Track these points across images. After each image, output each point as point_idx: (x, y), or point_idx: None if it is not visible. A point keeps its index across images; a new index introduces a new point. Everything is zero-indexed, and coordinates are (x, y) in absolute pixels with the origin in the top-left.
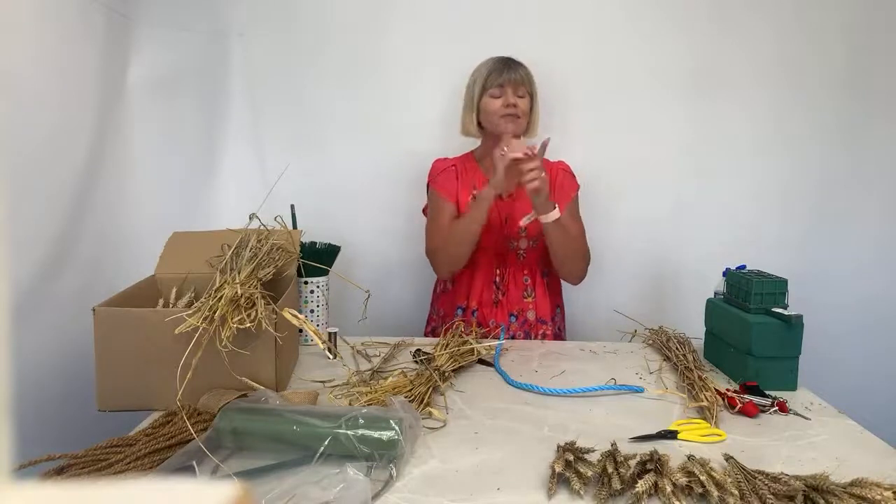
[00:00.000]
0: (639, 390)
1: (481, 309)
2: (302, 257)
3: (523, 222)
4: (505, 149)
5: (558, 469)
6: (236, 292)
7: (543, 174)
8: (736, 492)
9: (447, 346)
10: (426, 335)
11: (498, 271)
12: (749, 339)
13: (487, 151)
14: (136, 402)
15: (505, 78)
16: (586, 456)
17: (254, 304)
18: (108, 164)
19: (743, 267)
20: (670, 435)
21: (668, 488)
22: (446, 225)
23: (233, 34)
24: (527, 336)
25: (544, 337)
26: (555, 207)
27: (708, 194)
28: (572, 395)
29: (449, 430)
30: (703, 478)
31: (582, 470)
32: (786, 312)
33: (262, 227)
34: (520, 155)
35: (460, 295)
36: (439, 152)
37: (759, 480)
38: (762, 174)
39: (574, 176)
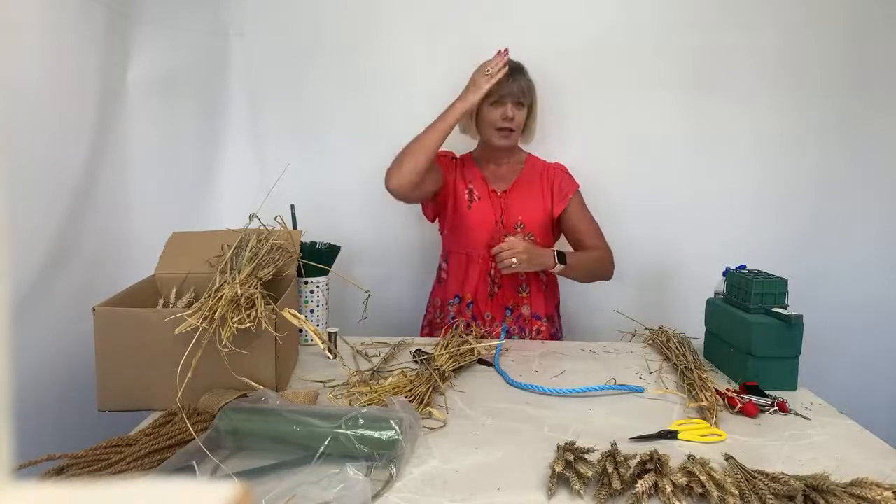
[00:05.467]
0: (639, 390)
1: (477, 302)
2: (302, 257)
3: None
4: (489, 69)
5: (558, 469)
6: (236, 292)
7: (514, 261)
8: (736, 492)
9: (447, 346)
10: (423, 328)
11: (493, 264)
12: (749, 339)
13: (483, 153)
14: (136, 402)
15: (508, 90)
16: (586, 456)
17: (254, 304)
18: (108, 163)
19: (743, 267)
20: (670, 435)
21: (668, 488)
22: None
23: (233, 34)
24: (521, 331)
25: (539, 333)
26: (554, 264)
27: (708, 194)
28: (572, 395)
29: (449, 430)
30: (703, 478)
31: (582, 470)
32: (786, 312)
33: (262, 227)
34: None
35: (455, 285)
36: None
37: (759, 480)
38: (762, 174)
39: (571, 176)
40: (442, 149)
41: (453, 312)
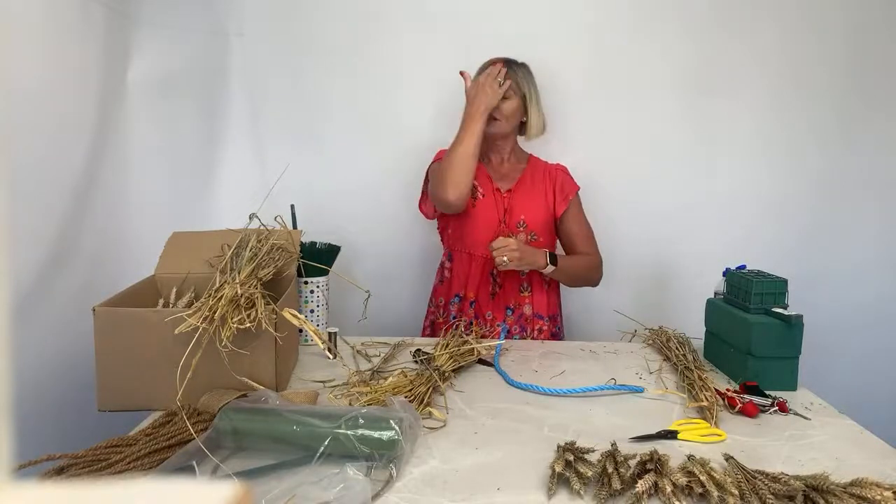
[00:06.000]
0: (639, 390)
1: (479, 301)
2: (302, 257)
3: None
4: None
5: (558, 469)
6: (236, 292)
7: (506, 258)
8: (736, 492)
9: (447, 346)
10: (424, 328)
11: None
12: (749, 339)
13: (486, 150)
14: (136, 402)
15: None
16: (586, 456)
17: (254, 304)
18: (108, 163)
19: (743, 267)
20: (670, 435)
21: (668, 488)
22: None
23: (233, 34)
24: (522, 330)
25: (540, 332)
26: (546, 264)
27: (708, 194)
28: (572, 395)
29: (449, 430)
30: (703, 478)
31: (582, 470)
32: (786, 312)
33: (262, 227)
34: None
35: (458, 284)
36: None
37: (759, 480)
38: (763, 174)
39: (572, 178)
40: (445, 148)
41: (454, 312)
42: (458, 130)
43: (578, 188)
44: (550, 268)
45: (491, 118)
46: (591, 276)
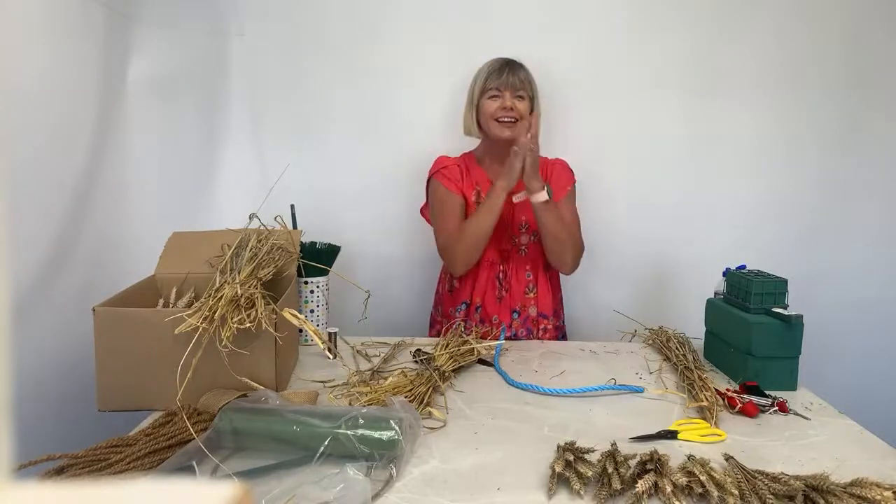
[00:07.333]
0: (639, 390)
1: (485, 305)
2: (302, 257)
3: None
4: (516, 148)
5: (558, 469)
6: (236, 292)
7: (526, 156)
8: (736, 492)
9: (447, 346)
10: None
11: (501, 267)
12: (749, 339)
13: (487, 151)
14: (136, 402)
15: (503, 80)
16: (586, 456)
17: (254, 304)
18: (108, 163)
19: (743, 267)
20: (670, 435)
21: (668, 488)
22: (458, 218)
23: (233, 34)
24: (528, 331)
25: (545, 332)
26: (544, 188)
27: (708, 194)
28: (572, 395)
29: (449, 430)
30: (703, 478)
31: (582, 470)
32: (786, 312)
33: (262, 227)
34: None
35: (464, 293)
36: (439, 152)
37: (759, 480)
38: (763, 174)
39: (571, 171)
40: (443, 153)
41: (459, 320)
42: (487, 200)
43: (575, 180)
44: (545, 195)
45: (509, 122)
46: (571, 246)
